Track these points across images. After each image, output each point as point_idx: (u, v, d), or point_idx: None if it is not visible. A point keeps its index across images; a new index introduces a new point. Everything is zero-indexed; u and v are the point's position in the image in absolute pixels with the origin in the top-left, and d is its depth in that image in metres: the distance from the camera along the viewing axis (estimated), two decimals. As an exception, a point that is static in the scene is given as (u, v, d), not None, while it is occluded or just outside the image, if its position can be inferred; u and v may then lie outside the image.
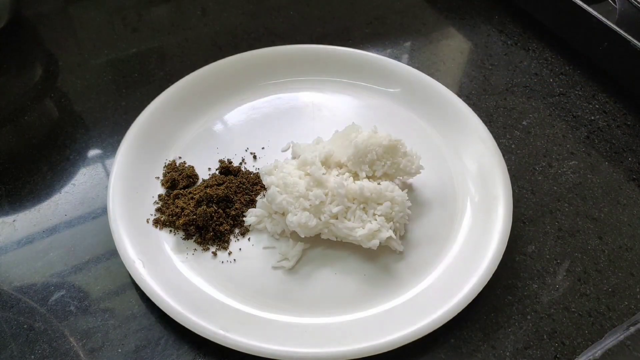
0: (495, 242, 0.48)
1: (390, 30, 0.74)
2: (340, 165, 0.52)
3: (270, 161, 0.54)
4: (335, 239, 0.49)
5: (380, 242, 0.47)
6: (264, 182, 0.52)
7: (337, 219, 0.48)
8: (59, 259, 0.50)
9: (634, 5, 0.65)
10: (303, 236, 0.48)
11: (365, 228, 0.47)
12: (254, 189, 0.54)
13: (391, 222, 0.49)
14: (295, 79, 0.65)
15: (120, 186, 0.52)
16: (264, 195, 0.53)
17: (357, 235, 0.47)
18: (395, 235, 0.49)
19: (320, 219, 0.48)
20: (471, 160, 0.56)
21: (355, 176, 0.51)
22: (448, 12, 0.77)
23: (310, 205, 0.48)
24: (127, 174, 0.53)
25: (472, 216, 0.52)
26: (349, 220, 0.48)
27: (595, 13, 0.64)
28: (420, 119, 0.61)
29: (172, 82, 0.60)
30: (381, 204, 0.49)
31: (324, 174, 0.49)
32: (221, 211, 0.51)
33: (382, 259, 0.49)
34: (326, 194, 0.48)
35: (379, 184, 0.50)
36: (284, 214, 0.49)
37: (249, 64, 0.64)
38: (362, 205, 0.49)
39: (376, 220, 0.48)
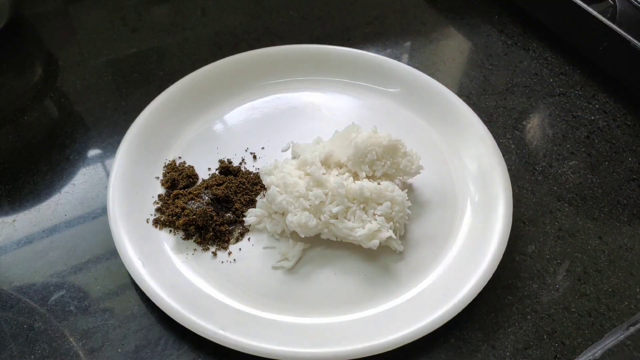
0: (495, 242, 0.48)
1: (390, 30, 0.74)
2: (340, 165, 0.52)
3: (270, 161, 0.54)
4: (335, 239, 0.49)
5: (380, 242, 0.47)
6: (263, 182, 0.52)
7: (337, 219, 0.48)
8: (59, 259, 0.50)
9: (634, 5, 0.65)
10: (303, 236, 0.48)
11: (365, 228, 0.47)
12: (254, 189, 0.54)
13: (391, 222, 0.49)
14: (295, 79, 0.65)
15: (120, 186, 0.52)
16: (264, 195, 0.53)
17: (357, 235, 0.47)
18: (395, 235, 0.49)
19: (320, 219, 0.48)
20: (471, 160, 0.56)
21: (355, 176, 0.51)
22: (448, 12, 0.77)
23: (310, 205, 0.48)
24: (127, 174, 0.53)
25: (472, 216, 0.52)
26: (349, 220, 0.48)
27: (595, 13, 0.64)
28: (420, 119, 0.61)
29: (172, 82, 0.60)
30: (381, 204, 0.48)
31: (323, 174, 0.49)
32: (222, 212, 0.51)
33: (382, 259, 0.49)
34: (326, 194, 0.48)
35: (379, 184, 0.50)
36: (284, 214, 0.49)
37: (249, 64, 0.63)
38: (362, 205, 0.49)
39: (376, 220, 0.48)
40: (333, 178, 0.49)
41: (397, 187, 0.50)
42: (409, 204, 0.50)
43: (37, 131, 0.61)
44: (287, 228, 0.50)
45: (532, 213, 0.55)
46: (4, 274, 0.49)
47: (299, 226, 0.47)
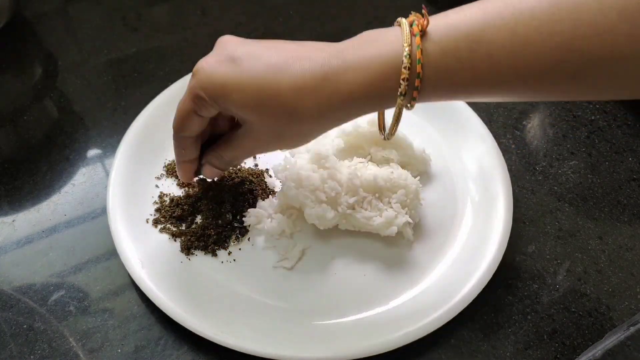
0: (495, 242, 0.48)
1: (390, 30, 0.74)
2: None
3: (270, 161, 0.54)
4: (353, 229, 0.49)
5: (397, 228, 0.47)
6: (277, 178, 0.51)
7: (354, 209, 0.48)
8: (59, 259, 0.50)
9: (634, 5, 0.64)
10: (322, 228, 0.48)
11: (382, 216, 0.47)
12: (255, 189, 0.54)
13: (406, 208, 0.49)
14: (295, 79, 0.64)
15: (120, 186, 0.51)
16: (264, 196, 0.53)
17: (375, 224, 0.47)
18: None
19: (337, 210, 0.48)
20: (471, 160, 0.56)
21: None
22: (448, 12, 0.77)
23: (326, 197, 0.48)
24: (127, 174, 0.53)
25: (472, 216, 0.52)
26: (366, 209, 0.48)
27: (595, 13, 0.63)
28: (420, 119, 0.61)
29: (172, 82, 0.60)
30: (395, 192, 0.49)
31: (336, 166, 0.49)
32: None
33: (382, 259, 0.49)
34: (341, 186, 0.48)
35: (392, 172, 0.50)
36: (300, 209, 0.49)
37: (248, 64, 0.63)
38: (376, 194, 0.49)
39: (392, 207, 0.48)
40: (346, 169, 0.49)
41: (409, 175, 0.50)
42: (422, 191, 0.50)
43: (37, 131, 0.61)
44: (287, 228, 0.50)
45: (532, 213, 0.55)
46: (3, 274, 0.49)
47: (317, 218, 0.47)
